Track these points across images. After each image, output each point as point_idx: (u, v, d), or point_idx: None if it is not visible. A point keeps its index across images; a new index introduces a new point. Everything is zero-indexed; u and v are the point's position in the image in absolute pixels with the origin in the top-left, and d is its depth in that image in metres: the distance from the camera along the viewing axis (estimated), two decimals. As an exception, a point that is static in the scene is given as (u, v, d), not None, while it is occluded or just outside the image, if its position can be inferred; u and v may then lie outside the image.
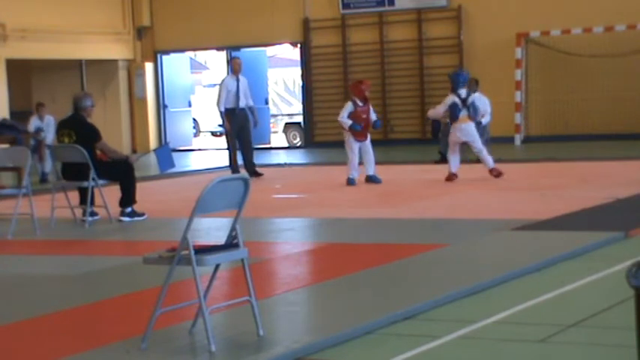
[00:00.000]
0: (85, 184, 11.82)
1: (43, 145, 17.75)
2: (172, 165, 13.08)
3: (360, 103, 15.23)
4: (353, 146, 15.21)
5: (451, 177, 15.18)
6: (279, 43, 27.29)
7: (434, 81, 24.15)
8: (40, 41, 24.20)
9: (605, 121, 22.64)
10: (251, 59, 24.87)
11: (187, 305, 6.18)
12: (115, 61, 26.87)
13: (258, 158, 18.91)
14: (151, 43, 27.24)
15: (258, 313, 5.90)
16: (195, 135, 32.81)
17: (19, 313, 7.03)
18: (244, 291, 6.00)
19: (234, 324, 6.26)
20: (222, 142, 20.29)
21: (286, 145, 27.50)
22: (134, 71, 27.14)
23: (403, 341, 5.87)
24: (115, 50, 26.75)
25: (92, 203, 12.08)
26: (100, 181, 11.86)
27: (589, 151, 19.73)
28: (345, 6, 25.07)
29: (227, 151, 17.98)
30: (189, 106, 28.51)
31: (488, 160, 15.11)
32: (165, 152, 13.12)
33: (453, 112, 15.17)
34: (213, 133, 34.72)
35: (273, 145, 27.14)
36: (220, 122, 18.17)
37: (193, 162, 22.90)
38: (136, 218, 12.11)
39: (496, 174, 14.99)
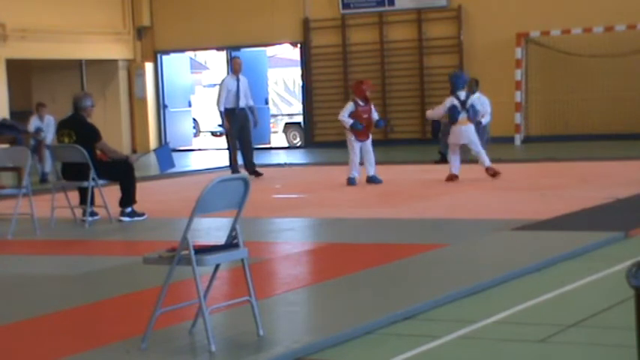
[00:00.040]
0: (85, 184, 11.82)
1: (42, 145, 17.75)
2: (172, 165, 13.08)
3: (362, 103, 15.24)
4: (355, 146, 15.22)
5: (452, 178, 15.18)
6: (279, 43, 27.29)
7: (434, 81, 24.15)
8: (40, 41, 24.20)
9: (605, 121, 22.64)
10: (251, 59, 24.87)
11: (187, 305, 6.18)
12: (115, 61, 26.87)
13: (258, 158, 18.91)
14: (151, 43, 27.24)
15: (258, 313, 5.90)
16: (195, 135, 32.81)
17: (19, 313, 7.03)
18: (244, 291, 6.00)
19: (234, 324, 6.26)
20: (222, 142, 20.30)
21: (286, 145, 27.50)
22: (134, 71, 27.14)
23: (403, 341, 5.87)
24: (115, 50, 26.75)
25: (92, 203, 12.08)
26: (100, 181, 11.86)
27: (589, 151, 19.73)
28: (345, 6, 25.07)
29: (227, 151, 17.99)
30: (189, 106, 28.51)
31: (485, 159, 15.11)
32: (165, 152, 13.12)
33: (452, 115, 15.19)
34: (213, 133, 34.72)
35: (273, 145, 27.14)
36: (220, 122, 18.17)
37: (193, 162, 22.90)
38: (136, 218, 12.11)
39: (492, 173, 14.99)
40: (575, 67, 22.91)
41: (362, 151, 15.24)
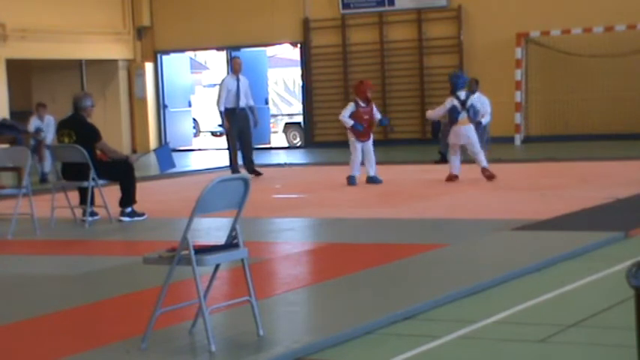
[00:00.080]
0: (85, 184, 11.82)
1: (42, 145, 17.75)
2: (172, 165, 13.08)
3: (363, 104, 15.25)
4: (357, 146, 15.24)
5: (452, 178, 15.18)
6: (279, 43, 27.29)
7: (434, 81, 24.16)
8: (40, 41, 24.21)
9: (605, 121, 22.64)
10: (251, 59, 24.87)
11: (187, 305, 6.18)
12: (115, 61, 26.87)
13: (258, 158, 18.91)
14: (151, 43, 27.25)
15: (258, 313, 5.90)
16: (195, 135, 32.81)
17: (19, 313, 7.03)
18: (244, 291, 6.00)
19: (234, 324, 6.26)
20: (223, 142, 20.30)
21: (286, 145, 27.50)
22: (134, 71, 27.14)
23: (403, 341, 5.87)
24: (115, 50, 26.75)
25: (92, 203, 12.08)
26: (100, 181, 11.86)
27: (589, 151, 19.73)
28: (345, 6, 25.07)
29: (227, 151, 17.99)
30: (189, 106, 28.51)
31: (483, 161, 15.09)
32: (166, 152, 13.12)
33: (452, 115, 15.18)
34: (213, 133, 34.72)
35: (273, 145, 27.14)
36: (220, 122, 18.17)
37: (193, 162, 22.90)
38: (136, 218, 12.11)
39: (488, 175, 14.96)
40: (575, 67, 22.91)
41: (363, 151, 15.25)
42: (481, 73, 20.77)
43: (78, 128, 12.03)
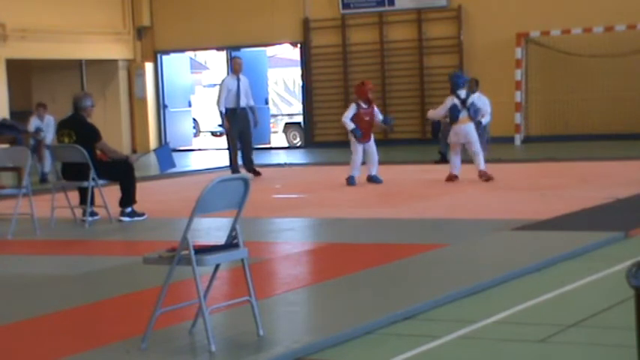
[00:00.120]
0: (85, 184, 11.82)
1: (42, 145, 17.76)
2: (173, 165, 13.08)
3: (364, 106, 15.26)
4: (357, 147, 15.23)
5: (452, 178, 15.17)
6: (279, 43, 27.29)
7: (434, 81, 24.16)
8: (40, 41, 24.21)
9: (605, 121, 22.64)
10: (251, 59, 24.87)
11: (187, 305, 6.18)
12: (115, 61, 26.87)
13: (258, 158, 18.91)
14: (151, 43, 27.25)
15: (258, 313, 5.90)
16: (195, 135, 32.82)
17: (19, 313, 7.03)
18: (244, 291, 6.00)
19: (234, 324, 6.26)
20: (223, 142, 20.29)
21: (286, 145, 27.50)
22: (134, 71, 27.14)
23: (403, 341, 5.87)
24: (115, 50, 26.75)
25: (92, 203, 12.08)
26: (100, 181, 11.86)
27: (589, 151, 19.73)
28: (345, 6, 25.07)
29: (227, 151, 17.99)
30: (189, 106, 28.51)
31: (481, 163, 15.07)
32: (166, 152, 13.12)
33: (453, 114, 15.17)
34: (213, 133, 34.73)
35: (273, 145, 27.14)
36: (220, 122, 18.17)
37: (193, 162, 22.90)
38: (136, 218, 12.11)
39: (485, 178, 14.95)
40: (575, 67, 22.91)
41: (365, 151, 15.26)
42: (481, 73, 20.77)
43: (78, 128, 12.03)
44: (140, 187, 12.74)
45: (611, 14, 22.30)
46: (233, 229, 5.92)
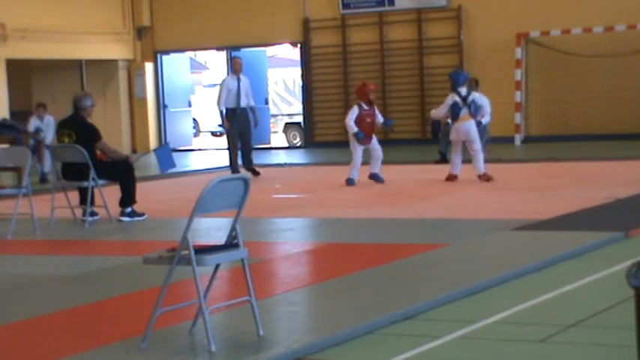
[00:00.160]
0: (85, 184, 11.82)
1: (42, 145, 17.76)
2: (173, 165, 13.08)
3: (366, 107, 15.26)
4: (357, 148, 15.22)
5: (451, 177, 15.17)
6: (279, 43, 27.30)
7: (434, 81, 24.16)
8: (40, 41, 24.21)
9: (605, 121, 22.64)
10: (251, 59, 24.87)
11: (187, 305, 6.18)
12: (115, 61, 26.87)
13: (259, 158, 18.91)
14: (151, 43, 27.25)
15: (258, 313, 5.90)
16: (195, 135, 32.82)
17: (19, 313, 7.03)
18: (244, 291, 6.00)
19: (234, 324, 6.26)
20: (223, 142, 20.29)
21: (286, 145, 27.50)
22: (134, 71, 27.15)
23: (403, 341, 5.87)
24: (115, 50, 26.75)
25: (92, 203, 12.08)
26: (100, 181, 11.86)
27: (589, 151, 19.73)
28: (345, 6, 25.07)
29: (227, 151, 17.99)
30: (189, 106, 28.51)
31: (481, 164, 15.04)
32: (166, 152, 13.12)
33: (454, 111, 15.14)
34: (213, 133, 34.73)
35: (273, 145, 27.14)
36: (220, 122, 18.18)
37: (193, 162, 22.90)
38: (136, 218, 12.11)
39: (485, 179, 14.93)
40: (575, 67, 22.91)
41: (368, 150, 15.25)
42: (481, 73, 20.76)
43: (78, 128, 12.03)
44: (140, 187, 12.74)
45: (611, 14, 22.30)
46: (233, 229, 5.92)
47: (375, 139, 15.35)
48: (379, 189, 14.72)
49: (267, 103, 27.40)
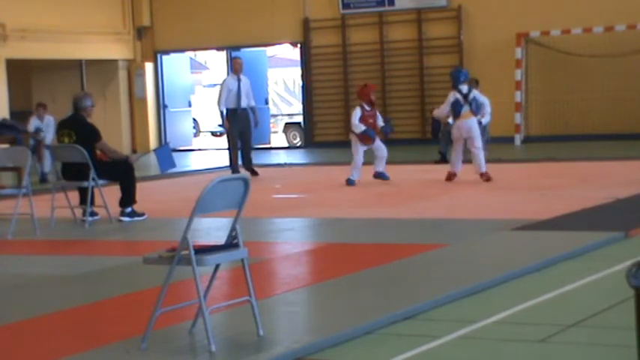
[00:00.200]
0: (85, 184, 11.82)
1: (42, 145, 17.76)
2: (173, 165, 13.09)
3: (367, 108, 15.27)
4: (359, 149, 15.21)
5: (451, 176, 15.16)
6: (279, 43, 27.29)
7: (434, 81, 24.15)
8: (40, 41, 24.21)
9: (605, 121, 22.64)
10: (251, 59, 24.87)
11: (187, 305, 6.18)
12: (115, 61, 26.87)
13: (259, 158, 18.91)
14: (151, 43, 27.25)
15: (258, 313, 5.90)
16: (195, 135, 32.82)
17: (19, 313, 7.03)
18: (244, 291, 6.00)
19: (234, 324, 6.26)
20: (222, 142, 20.30)
21: (286, 145, 27.50)
22: (134, 71, 27.15)
23: (403, 341, 5.87)
24: (115, 50, 26.75)
25: (92, 203, 12.08)
26: (100, 181, 11.86)
27: (589, 151, 19.73)
28: (345, 6, 25.07)
29: (227, 151, 17.99)
30: (189, 106, 28.51)
31: (482, 163, 15.03)
32: (166, 152, 13.13)
33: (455, 109, 15.12)
34: (213, 133, 34.74)
35: (273, 145, 27.14)
36: (220, 122, 18.19)
37: (193, 162, 22.90)
38: (136, 218, 12.11)
39: (486, 179, 14.92)
40: (575, 67, 22.91)
41: (371, 149, 15.26)
42: (481, 73, 20.76)
43: (78, 128, 12.04)
44: (140, 187, 12.74)
45: (611, 14, 22.30)
46: (233, 229, 5.92)
47: (377, 140, 15.35)
48: (379, 189, 14.71)
49: (267, 103, 27.40)
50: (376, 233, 10.56)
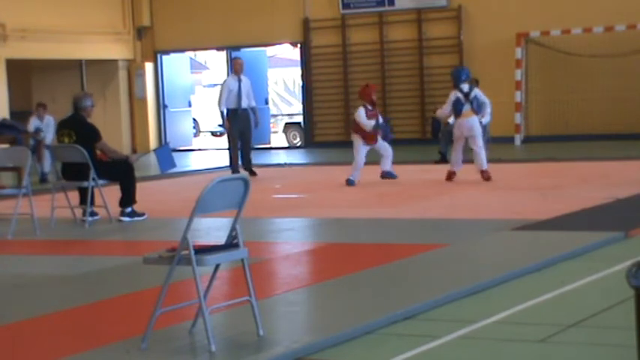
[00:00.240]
0: (85, 184, 11.82)
1: (42, 145, 17.76)
2: (173, 165, 13.08)
3: (369, 108, 15.27)
4: (361, 149, 15.20)
5: (451, 175, 15.15)
6: (279, 43, 27.30)
7: (434, 81, 24.15)
8: (40, 41, 24.21)
9: (605, 121, 22.64)
10: (251, 59, 24.86)
11: (187, 305, 6.18)
12: (115, 61, 26.87)
13: (259, 158, 18.91)
14: (151, 43, 27.25)
15: (258, 313, 5.90)
16: (195, 135, 32.82)
17: (19, 313, 7.03)
18: (244, 291, 6.00)
19: (234, 324, 6.26)
20: (222, 142, 20.30)
21: (286, 145, 27.50)
22: (134, 71, 27.15)
23: (403, 341, 5.87)
24: (115, 50, 26.75)
25: (92, 203, 12.08)
26: (100, 181, 11.86)
27: (589, 151, 19.73)
28: (345, 6, 25.07)
29: (227, 151, 17.99)
30: (189, 106, 28.51)
31: (484, 161, 15.02)
32: (166, 152, 13.13)
33: (457, 108, 15.10)
34: (213, 133, 34.74)
35: (273, 145, 27.14)
36: (220, 122, 18.19)
37: (193, 162, 22.90)
38: (136, 218, 12.11)
39: (486, 177, 14.92)
40: (575, 67, 22.91)
41: (375, 149, 15.25)
42: (481, 73, 20.76)
43: (78, 128, 12.04)
44: (140, 187, 12.74)
45: (611, 14, 22.30)
46: (233, 229, 5.92)
47: (380, 140, 15.35)
48: (379, 189, 14.71)
49: (267, 103, 27.40)
50: (376, 233, 10.56)
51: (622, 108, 22.55)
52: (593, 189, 13.30)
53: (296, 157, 22.99)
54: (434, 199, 13.23)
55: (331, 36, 25.39)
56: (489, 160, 15.56)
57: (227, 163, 18.17)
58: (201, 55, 38.81)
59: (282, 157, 22.22)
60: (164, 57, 27.42)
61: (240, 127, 17.32)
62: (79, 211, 12.23)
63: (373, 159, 15.55)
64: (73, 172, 11.98)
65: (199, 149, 27.50)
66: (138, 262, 6.40)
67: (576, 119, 23.05)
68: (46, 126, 18.18)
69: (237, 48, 26.24)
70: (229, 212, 5.93)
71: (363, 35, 25.08)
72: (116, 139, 24.91)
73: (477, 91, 15.41)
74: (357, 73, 24.65)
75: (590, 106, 22.85)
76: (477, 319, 6.28)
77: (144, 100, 27.09)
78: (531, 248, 8.80)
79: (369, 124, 15.10)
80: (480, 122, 16.22)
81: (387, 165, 15.34)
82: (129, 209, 12.13)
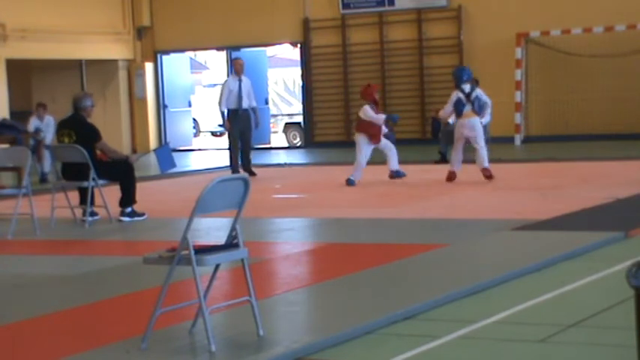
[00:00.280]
0: (85, 184, 11.82)
1: (41, 145, 17.76)
2: (173, 165, 13.09)
3: (372, 107, 15.28)
4: (364, 149, 15.19)
5: (451, 175, 15.15)
6: (279, 43, 27.30)
7: (434, 81, 24.16)
8: (40, 41, 24.21)
9: (605, 121, 22.64)
10: (251, 59, 24.86)
11: (187, 305, 6.18)
12: (115, 61, 26.88)
13: (259, 158, 18.91)
14: (151, 43, 27.25)
15: (258, 313, 5.90)
16: (195, 135, 32.82)
17: (19, 313, 7.03)
18: (244, 291, 6.00)
19: (234, 324, 6.26)
20: (222, 142, 20.30)
21: (286, 145, 27.50)
22: (134, 71, 27.15)
23: (403, 341, 5.87)
24: (115, 50, 26.76)
25: (92, 203, 12.08)
26: (100, 181, 11.86)
27: (589, 151, 19.73)
28: (345, 6, 25.07)
29: (228, 151, 17.99)
30: (189, 106, 28.51)
31: (485, 159, 15.01)
32: (166, 152, 13.13)
33: (458, 108, 15.09)
34: (213, 133, 34.74)
35: (273, 145, 27.14)
36: (221, 122, 18.19)
37: (193, 162, 22.90)
38: (136, 218, 12.11)
39: (487, 175, 14.91)
40: (575, 67, 22.91)
41: (379, 149, 15.25)
42: (481, 73, 20.74)
43: (78, 128, 12.04)
44: (140, 187, 12.74)
45: (611, 14, 22.30)
46: (233, 229, 5.92)
47: (383, 138, 15.35)
48: (379, 189, 14.71)
49: (267, 103, 27.40)
50: (376, 233, 10.56)
51: (622, 108, 22.55)
52: (593, 189, 13.30)
53: (296, 157, 22.99)
54: (434, 199, 13.23)
55: (331, 36, 25.39)
56: (489, 161, 15.55)
57: (227, 163, 18.17)
58: (201, 55, 38.82)
59: (282, 157, 22.22)
60: (164, 57, 27.42)
61: (241, 127, 17.33)
62: (79, 211, 12.23)
63: (374, 160, 15.56)
64: (73, 172, 11.98)
65: (199, 149, 27.50)
66: (138, 262, 6.40)
67: (576, 119, 23.06)
68: (46, 126, 18.18)
69: (237, 48, 26.25)
70: (229, 212, 5.93)
71: (363, 35, 25.08)
72: (116, 139, 24.92)
73: (478, 92, 15.40)
74: (357, 73, 24.65)
75: (590, 106, 22.86)
76: (476, 319, 6.28)
77: (144, 100, 27.09)
78: (531, 248, 8.80)
79: (379, 117, 15.11)
80: (480, 122, 16.21)
81: (394, 164, 15.33)
82: (129, 209, 12.13)
